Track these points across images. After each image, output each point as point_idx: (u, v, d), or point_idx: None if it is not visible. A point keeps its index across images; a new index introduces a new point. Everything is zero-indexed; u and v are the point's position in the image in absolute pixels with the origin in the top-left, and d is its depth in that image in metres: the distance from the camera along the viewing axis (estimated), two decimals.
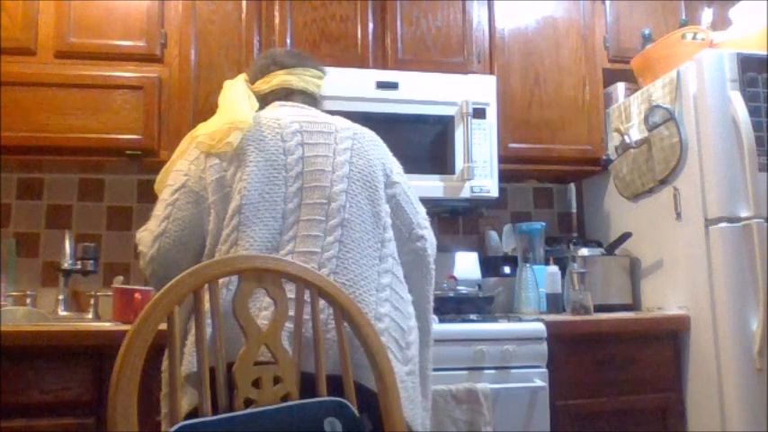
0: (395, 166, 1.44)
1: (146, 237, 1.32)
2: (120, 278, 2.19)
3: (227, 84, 1.49)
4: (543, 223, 2.51)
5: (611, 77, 2.56)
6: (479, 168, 2.26)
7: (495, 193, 2.28)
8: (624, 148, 2.36)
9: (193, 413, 1.01)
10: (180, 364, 0.98)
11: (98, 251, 2.31)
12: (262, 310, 1.14)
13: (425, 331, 1.41)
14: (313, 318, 1.07)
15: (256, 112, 1.40)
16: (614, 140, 2.44)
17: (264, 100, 1.48)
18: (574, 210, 2.84)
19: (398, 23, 2.38)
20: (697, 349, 2.04)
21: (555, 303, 2.28)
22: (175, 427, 0.90)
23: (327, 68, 1.61)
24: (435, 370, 1.53)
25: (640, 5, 2.61)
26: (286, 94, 1.49)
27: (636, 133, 2.30)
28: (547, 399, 1.89)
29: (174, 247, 1.29)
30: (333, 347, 1.12)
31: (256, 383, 0.99)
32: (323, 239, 1.24)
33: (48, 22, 2.17)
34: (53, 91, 2.13)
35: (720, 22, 2.47)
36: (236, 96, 1.41)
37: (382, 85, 2.23)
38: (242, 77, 1.52)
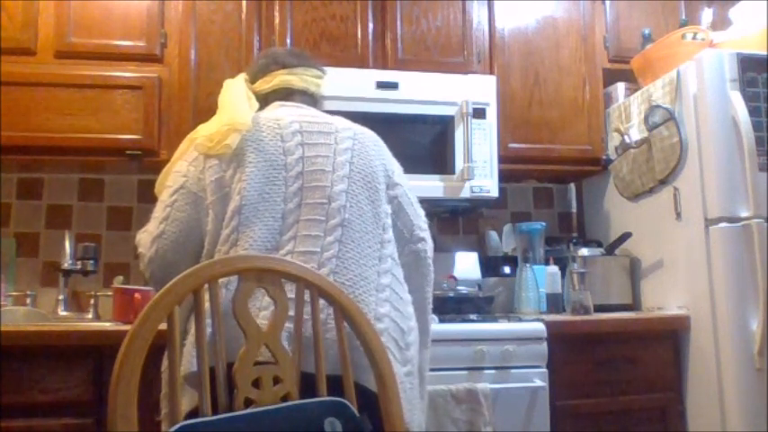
0: (396, 168, 1.44)
1: (144, 238, 1.32)
2: (120, 278, 2.19)
3: (228, 83, 1.48)
4: (543, 223, 2.51)
5: (611, 77, 2.56)
6: (479, 168, 2.26)
7: (495, 193, 2.28)
8: (624, 148, 2.36)
9: (193, 413, 1.01)
10: (180, 364, 0.98)
11: (98, 251, 2.31)
12: (261, 310, 1.14)
13: (424, 332, 1.41)
14: (313, 317, 1.06)
15: (256, 112, 1.40)
16: (614, 140, 2.43)
17: (265, 100, 1.48)
18: (574, 210, 2.84)
19: (398, 23, 2.38)
20: (697, 349, 2.04)
21: (555, 303, 2.28)
22: (175, 427, 0.90)
23: (327, 68, 1.61)
24: (435, 370, 1.53)
25: (640, 5, 2.61)
26: (287, 93, 1.49)
27: (636, 133, 2.30)
28: (547, 399, 1.89)
29: (172, 249, 1.29)
30: (332, 347, 1.12)
31: (256, 383, 0.99)
32: (323, 239, 1.24)
33: (48, 22, 2.17)
34: (53, 91, 2.13)
35: (720, 22, 2.47)
36: (235, 97, 1.40)
37: (382, 85, 2.23)
38: (242, 77, 1.51)
